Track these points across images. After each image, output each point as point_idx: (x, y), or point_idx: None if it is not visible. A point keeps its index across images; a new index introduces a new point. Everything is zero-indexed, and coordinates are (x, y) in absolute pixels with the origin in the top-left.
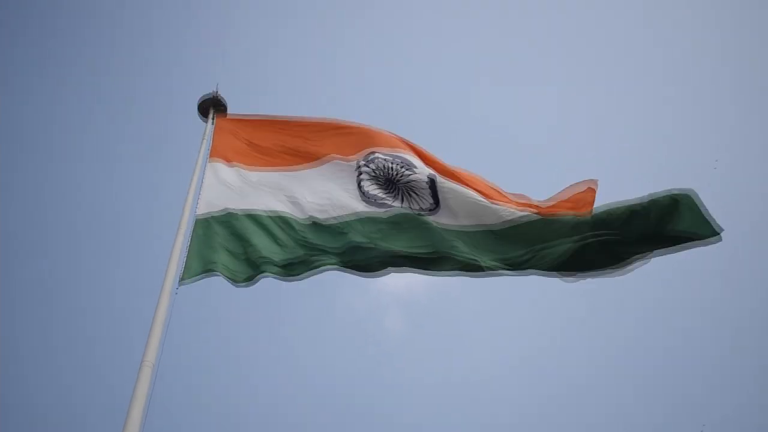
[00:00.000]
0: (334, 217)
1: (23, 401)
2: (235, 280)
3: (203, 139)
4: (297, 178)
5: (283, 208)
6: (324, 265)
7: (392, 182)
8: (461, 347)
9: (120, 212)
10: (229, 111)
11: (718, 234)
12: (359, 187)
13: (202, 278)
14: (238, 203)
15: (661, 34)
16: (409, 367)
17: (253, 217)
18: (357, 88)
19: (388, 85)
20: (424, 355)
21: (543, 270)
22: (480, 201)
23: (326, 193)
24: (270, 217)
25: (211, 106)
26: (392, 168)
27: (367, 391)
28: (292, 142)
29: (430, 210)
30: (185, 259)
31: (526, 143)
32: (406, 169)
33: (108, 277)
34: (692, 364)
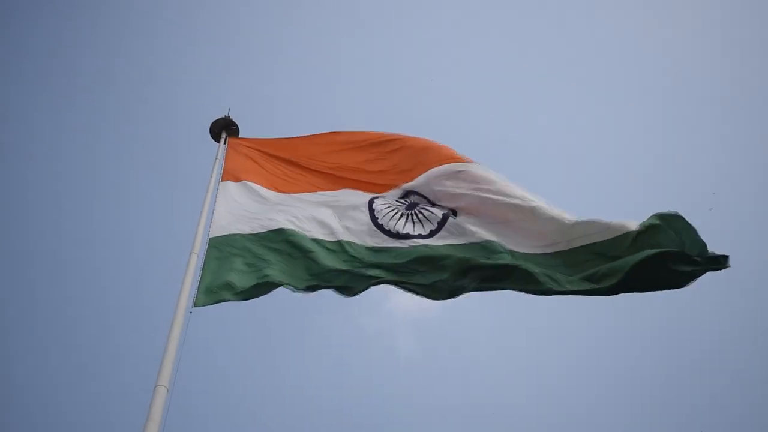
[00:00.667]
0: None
1: (34, 425)
2: (296, 287)
3: (216, 159)
4: (339, 199)
5: (339, 229)
6: (383, 279)
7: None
8: (475, 368)
9: (135, 235)
10: (241, 134)
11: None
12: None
13: (248, 297)
14: (284, 222)
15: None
16: (420, 388)
17: (316, 241)
18: (374, 105)
19: (406, 94)
20: (437, 375)
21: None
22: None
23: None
24: (329, 241)
25: (223, 129)
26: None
27: (378, 411)
28: (324, 159)
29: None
30: (223, 276)
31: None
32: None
33: (122, 300)
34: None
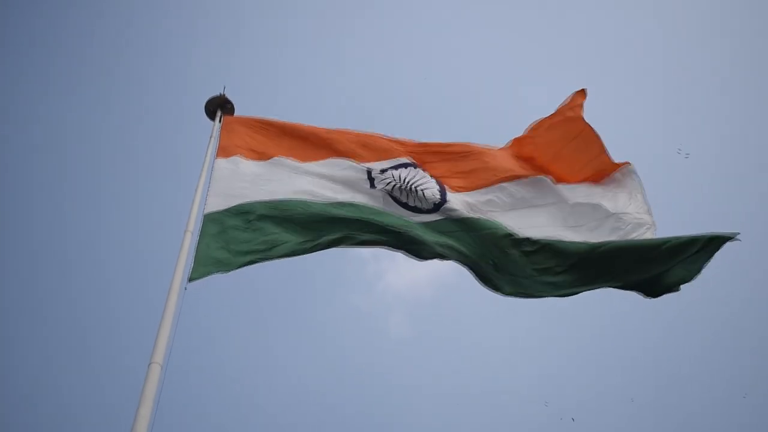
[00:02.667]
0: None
1: (30, 401)
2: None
3: (210, 138)
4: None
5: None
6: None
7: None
8: (467, 349)
9: (131, 214)
10: (236, 113)
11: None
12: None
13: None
14: (284, 191)
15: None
16: (412, 369)
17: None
18: (368, 89)
19: (401, 84)
20: (429, 356)
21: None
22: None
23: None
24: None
25: (219, 107)
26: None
27: (369, 392)
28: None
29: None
30: (217, 250)
31: None
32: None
33: (117, 278)
34: (712, 371)
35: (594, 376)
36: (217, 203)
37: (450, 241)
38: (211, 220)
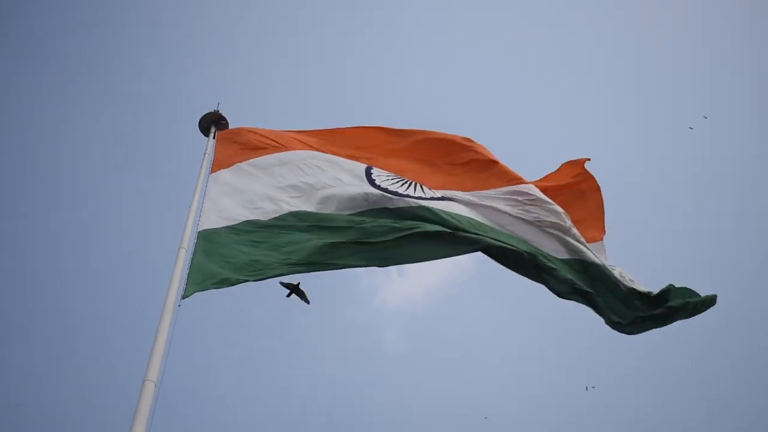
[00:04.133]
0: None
1: (22, 418)
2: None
3: (204, 154)
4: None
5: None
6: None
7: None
8: (464, 362)
9: (124, 231)
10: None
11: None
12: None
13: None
14: (278, 206)
15: None
16: (409, 384)
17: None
18: (366, 100)
19: (398, 97)
20: (425, 371)
21: None
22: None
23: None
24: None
25: (213, 123)
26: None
27: (363, 407)
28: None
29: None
30: (211, 267)
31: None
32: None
33: (111, 295)
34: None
35: (596, 385)
36: (212, 221)
37: (573, 277)
38: (204, 237)
